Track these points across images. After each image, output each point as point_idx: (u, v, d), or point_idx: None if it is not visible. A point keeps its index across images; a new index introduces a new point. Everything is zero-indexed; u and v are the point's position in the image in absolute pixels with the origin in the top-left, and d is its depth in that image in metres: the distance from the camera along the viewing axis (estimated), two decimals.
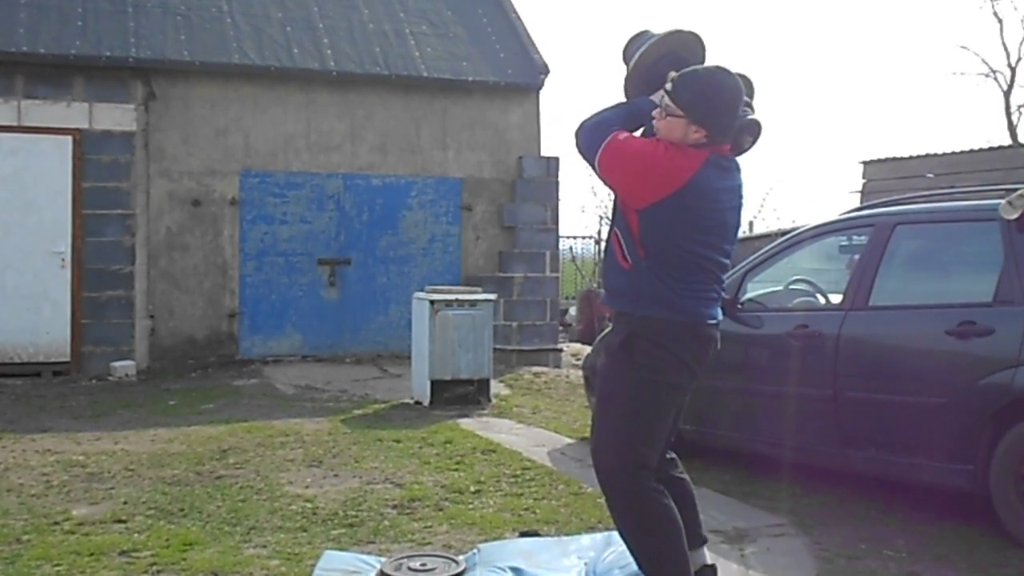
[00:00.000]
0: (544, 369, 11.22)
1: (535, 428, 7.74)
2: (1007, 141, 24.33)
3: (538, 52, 12.48)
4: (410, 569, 3.96)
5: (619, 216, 3.55)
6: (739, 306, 6.02)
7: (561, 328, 13.41)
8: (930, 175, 13.73)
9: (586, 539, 4.40)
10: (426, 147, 11.86)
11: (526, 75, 12.21)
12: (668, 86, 3.43)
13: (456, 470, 6.08)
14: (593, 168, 3.49)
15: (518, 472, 6.05)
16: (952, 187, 8.37)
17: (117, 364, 10.36)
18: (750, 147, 3.62)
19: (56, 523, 4.85)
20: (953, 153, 14.60)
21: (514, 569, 3.98)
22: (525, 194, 12.07)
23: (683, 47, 3.67)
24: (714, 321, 3.55)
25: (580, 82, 42.77)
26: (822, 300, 6.02)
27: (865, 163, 15.61)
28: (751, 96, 3.67)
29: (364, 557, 4.20)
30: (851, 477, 5.54)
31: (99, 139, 10.62)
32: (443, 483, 5.73)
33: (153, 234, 10.88)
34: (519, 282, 11.81)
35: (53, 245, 10.45)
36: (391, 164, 11.73)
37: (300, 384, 9.80)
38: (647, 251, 3.43)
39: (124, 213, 10.73)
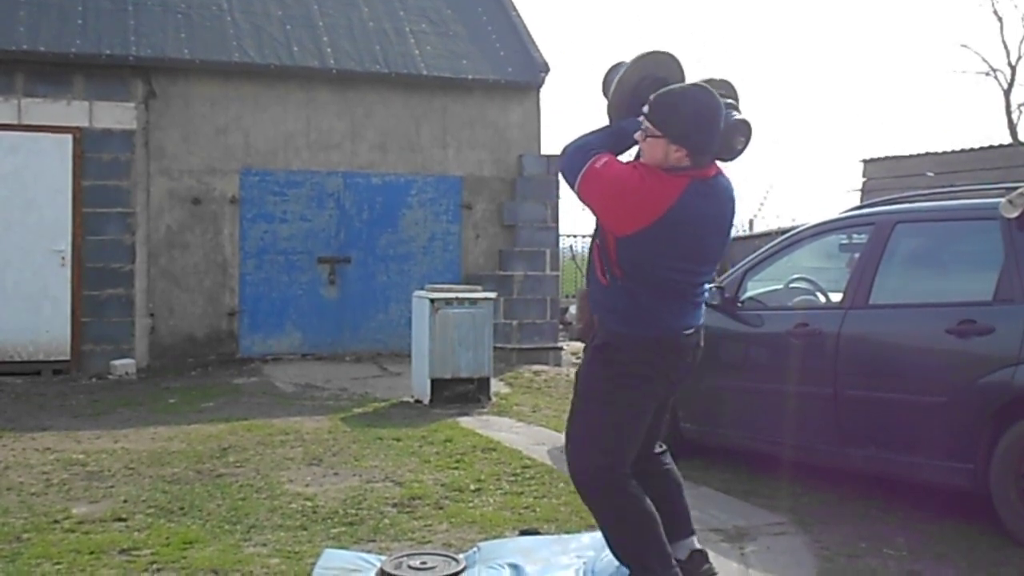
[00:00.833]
0: (544, 367, 11.22)
1: (535, 426, 7.74)
2: (1007, 139, 24.32)
3: (538, 50, 12.47)
4: (410, 567, 3.96)
5: (600, 232, 3.57)
6: (739, 305, 6.02)
7: (561, 326, 13.41)
8: (930, 174, 13.72)
9: (586, 537, 4.40)
10: (426, 145, 11.85)
11: (526, 73, 12.20)
12: (646, 108, 3.44)
13: (456, 468, 6.08)
14: (574, 192, 3.50)
15: (518, 470, 6.05)
16: (952, 186, 8.36)
17: (117, 362, 10.36)
18: (743, 148, 3.59)
19: (56, 521, 4.85)
20: (953, 152, 14.59)
21: (514, 567, 3.98)
22: (525, 192, 12.07)
23: (659, 67, 3.66)
24: (691, 330, 3.59)
25: (580, 81, 42.79)
26: (822, 299, 6.02)
27: (865, 161, 15.60)
28: (735, 99, 3.64)
29: (364, 555, 4.21)
30: (851, 475, 5.54)
31: (99, 137, 10.62)
32: (443, 481, 5.73)
33: (153, 232, 10.88)
34: (519, 280, 11.81)
35: (53, 243, 10.45)
36: (391, 162, 11.73)
37: (300, 382, 9.80)
38: (623, 271, 3.47)
39: (124, 211, 10.73)
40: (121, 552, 4.38)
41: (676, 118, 3.37)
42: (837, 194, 62.53)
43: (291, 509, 5.11)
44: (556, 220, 12.29)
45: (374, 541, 4.60)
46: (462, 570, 3.98)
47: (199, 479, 5.77)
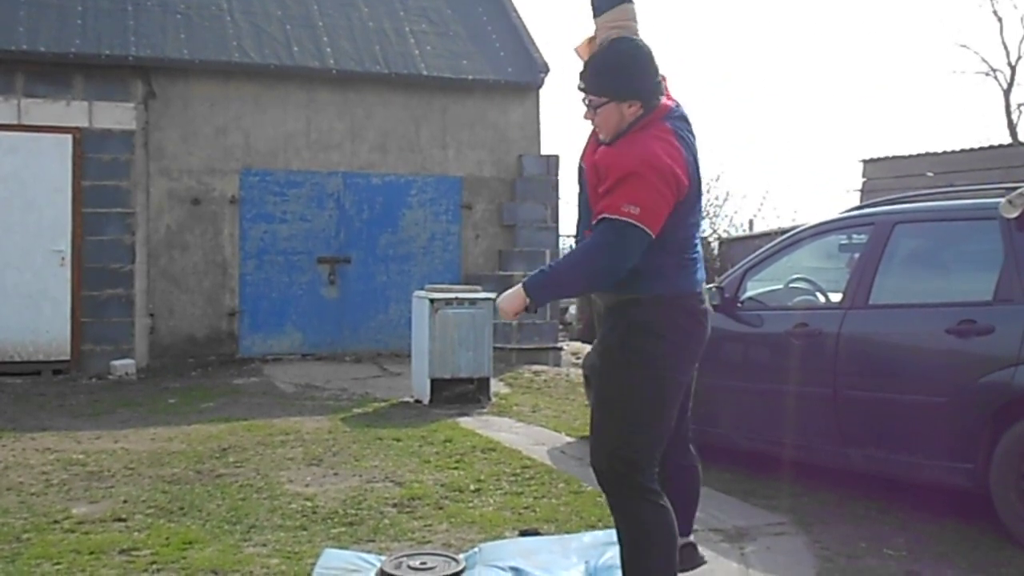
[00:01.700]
0: (544, 368, 11.22)
1: (535, 426, 7.74)
2: (1007, 140, 24.33)
3: (538, 51, 12.48)
4: (410, 568, 3.96)
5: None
6: (739, 305, 6.02)
7: (561, 327, 13.41)
8: (930, 174, 13.72)
9: (587, 537, 4.40)
10: (426, 146, 11.86)
11: (526, 74, 12.21)
12: (580, 85, 3.38)
13: (456, 468, 6.08)
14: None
15: (518, 471, 6.05)
16: (952, 186, 8.36)
17: (117, 363, 10.36)
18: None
19: (56, 521, 4.85)
20: (953, 152, 14.58)
21: (514, 568, 3.98)
22: (525, 193, 12.07)
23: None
24: (700, 290, 3.45)
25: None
26: (822, 299, 6.02)
27: (865, 162, 15.59)
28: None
29: (364, 555, 4.20)
30: (851, 476, 5.54)
31: (99, 138, 10.62)
32: (443, 481, 5.73)
33: (153, 233, 10.88)
34: (519, 280, 11.80)
35: (53, 243, 10.45)
36: (391, 163, 11.73)
37: (300, 383, 9.80)
38: None
39: (124, 211, 10.73)
40: (121, 552, 4.37)
41: (612, 74, 3.31)
42: (837, 194, 62.53)
43: (291, 509, 5.11)
44: (556, 220, 12.29)
45: (374, 541, 4.60)
46: (462, 570, 3.98)
47: (199, 479, 5.77)
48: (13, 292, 10.32)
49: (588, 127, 3.54)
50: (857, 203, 11.35)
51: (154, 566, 4.21)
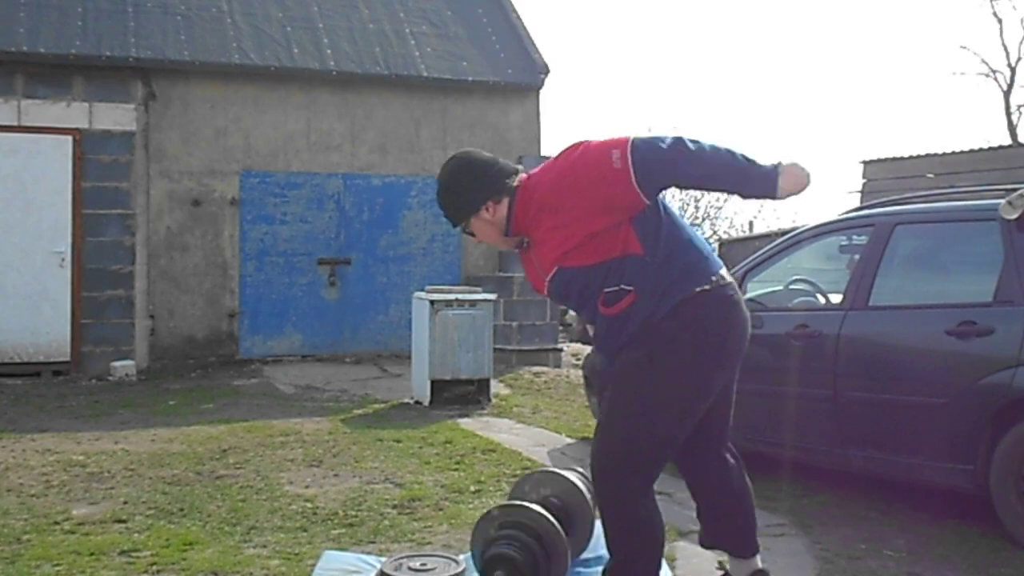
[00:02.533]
0: (544, 369, 11.21)
1: (535, 428, 7.74)
2: (1007, 141, 24.34)
3: (538, 52, 12.48)
4: (410, 569, 3.95)
5: (598, 280, 3.25)
6: None
7: (561, 328, 13.39)
8: (930, 175, 13.71)
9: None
10: (426, 147, 11.86)
11: (526, 75, 12.21)
12: (456, 229, 3.48)
13: (456, 470, 6.08)
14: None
15: (518, 472, 6.03)
16: (952, 187, 8.36)
17: (117, 364, 10.37)
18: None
19: (56, 523, 4.85)
20: (953, 153, 14.57)
21: None
22: None
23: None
24: (718, 276, 3.36)
25: (580, 82, 42.82)
26: (822, 300, 6.01)
27: (865, 163, 15.59)
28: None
29: (364, 557, 4.20)
30: (851, 477, 5.54)
31: (99, 139, 10.63)
32: (443, 483, 5.73)
33: (153, 234, 10.89)
34: (519, 282, 11.80)
35: (53, 245, 10.45)
36: (391, 164, 11.74)
37: (300, 384, 9.80)
38: (645, 248, 3.22)
39: (124, 213, 10.73)
40: (121, 553, 4.37)
41: (457, 198, 3.40)
42: (837, 195, 62.55)
43: (291, 510, 5.11)
44: None
45: (374, 543, 4.60)
46: (462, 572, 3.97)
47: (199, 480, 5.77)
48: (13, 293, 10.32)
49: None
50: (857, 204, 11.35)
51: (154, 567, 4.20)
